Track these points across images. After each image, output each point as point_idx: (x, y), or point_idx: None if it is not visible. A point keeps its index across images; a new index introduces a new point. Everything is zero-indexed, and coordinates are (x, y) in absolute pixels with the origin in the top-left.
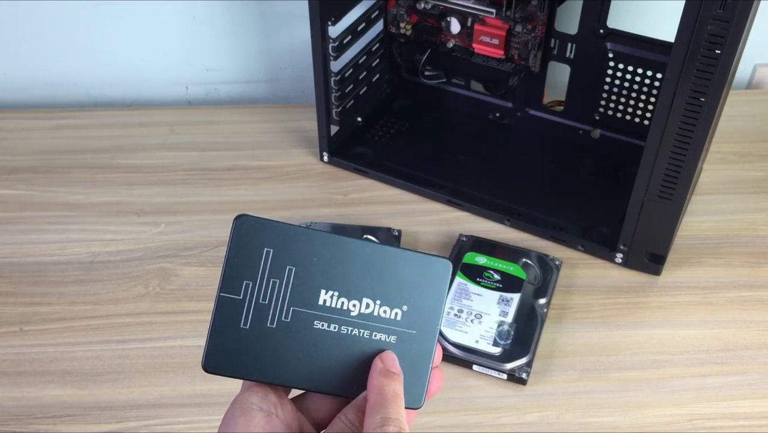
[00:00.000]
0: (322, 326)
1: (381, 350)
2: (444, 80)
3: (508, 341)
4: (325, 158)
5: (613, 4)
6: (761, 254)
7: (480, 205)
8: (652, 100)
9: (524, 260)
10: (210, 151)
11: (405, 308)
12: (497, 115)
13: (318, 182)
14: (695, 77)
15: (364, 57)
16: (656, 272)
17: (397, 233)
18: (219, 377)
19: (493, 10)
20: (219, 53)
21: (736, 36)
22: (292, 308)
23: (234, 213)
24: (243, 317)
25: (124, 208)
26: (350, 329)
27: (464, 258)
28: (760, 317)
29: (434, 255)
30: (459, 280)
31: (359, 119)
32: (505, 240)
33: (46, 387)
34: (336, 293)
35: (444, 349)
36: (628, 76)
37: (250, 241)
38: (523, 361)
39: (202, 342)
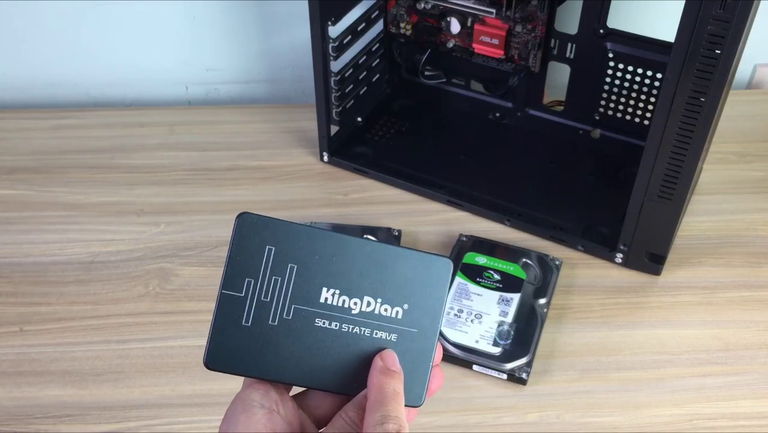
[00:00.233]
0: (324, 323)
1: (382, 348)
2: (444, 80)
3: (508, 341)
4: (325, 158)
5: (613, 4)
6: (761, 254)
7: (480, 205)
8: (652, 100)
9: (524, 260)
10: (210, 151)
11: (406, 306)
12: (497, 115)
13: (318, 182)
14: (695, 77)
15: (364, 57)
16: (656, 272)
17: (397, 233)
18: (220, 376)
19: (493, 10)
20: (219, 53)
21: (736, 36)
22: (293, 306)
23: (234, 213)
24: (245, 314)
25: (124, 209)
26: (351, 327)
27: (464, 258)
28: (760, 317)
29: (435, 254)
30: (459, 280)
31: (359, 119)
32: (505, 240)
33: (46, 387)
34: (337, 291)
35: (444, 349)
36: (628, 76)
37: (252, 239)
38: (523, 361)
39: (203, 342)
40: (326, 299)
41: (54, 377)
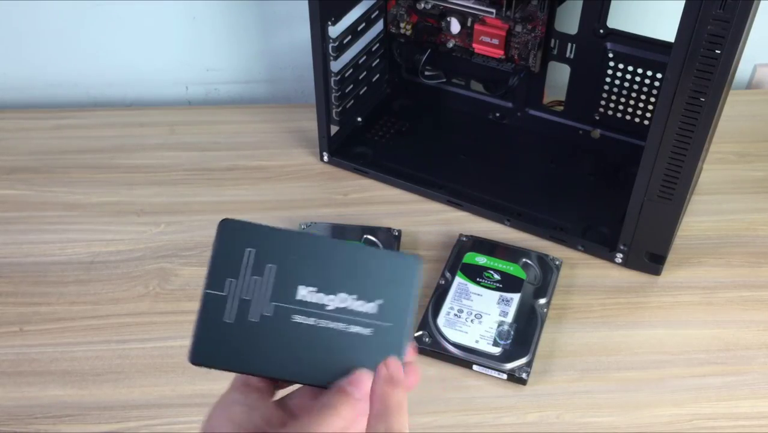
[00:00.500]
0: (302, 319)
1: (358, 341)
2: (444, 80)
3: (508, 341)
4: (325, 158)
5: (613, 4)
6: (761, 254)
7: (480, 205)
8: (652, 100)
9: (524, 260)
10: (210, 151)
11: (380, 301)
12: (497, 115)
13: (318, 182)
14: (695, 77)
15: (364, 57)
16: (656, 272)
17: (397, 233)
18: (220, 376)
19: (493, 10)
20: (219, 53)
21: (736, 36)
22: (273, 303)
23: (234, 213)
24: (227, 312)
25: (124, 209)
26: (328, 321)
27: (464, 258)
28: (760, 317)
29: (404, 252)
30: (459, 280)
31: (359, 119)
32: (505, 240)
33: (46, 387)
34: (314, 289)
35: (444, 349)
36: (628, 76)
37: (233, 242)
38: (523, 361)
39: None
40: (303, 296)
41: (54, 377)
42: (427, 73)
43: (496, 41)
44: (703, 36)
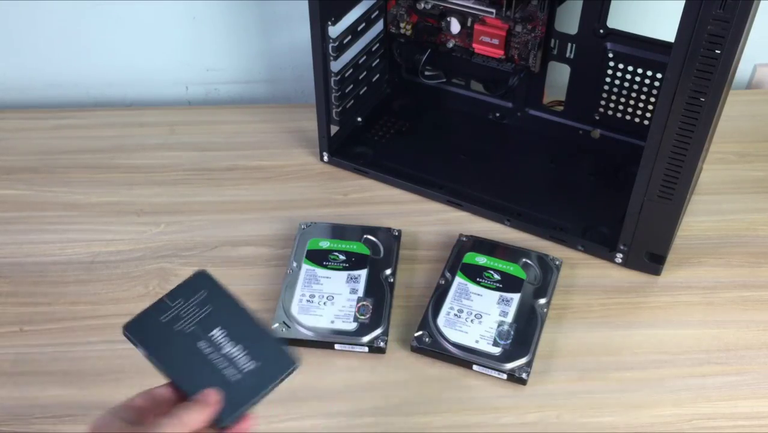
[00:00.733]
0: (202, 346)
1: (223, 379)
2: (444, 80)
3: (508, 341)
4: (325, 158)
5: (613, 4)
6: (761, 254)
7: (480, 205)
8: (652, 100)
9: (524, 260)
10: (210, 151)
11: (254, 366)
12: (497, 115)
13: (318, 182)
14: (695, 77)
15: (364, 57)
16: (656, 272)
17: (397, 233)
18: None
19: (493, 10)
20: (219, 53)
21: (736, 36)
22: (193, 327)
23: (234, 213)
24: (166, 315)
25: (124, 209)
26: (215, 357)
27: (464, 258)
28: (760, 316)
29: (290, 353)
30: (459, 280)
31: (359, 119)
32: (505, 240)
33: (46, 387)
34: (224, 333)
35: (444, 349)
36: (628, 76)
37: (199, 283)
38: (523, 361)
39: None
40: (214, 334)
41: (54, 377)
42: (427, 73)
43: (496, 41)
44: (703, 36)
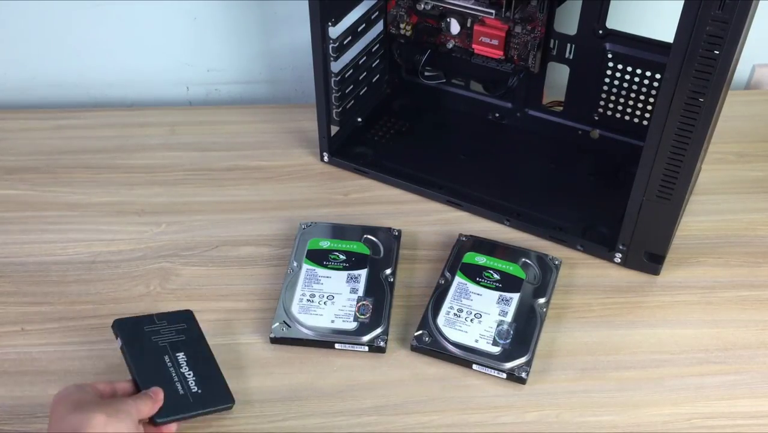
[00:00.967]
0: (166, 359)
1: (173, 390)
2: (444, 81)
3: (508, 341)
4: (326, 158)
5: (612, 5)
6: (760, 254)
7: (480, 205)
8: (652, 100)
9: (524, 259)
10: (210, 151)
11: (198, 391)
12: (497, 115)
13: (318, 182)
14: (694, 78)
15: (364, 57)
16: (655, 271)
17: (397, 233)
18: None
19: (493, 11)
20: (220, 54)
21: (735, 36)
22: (165, 344)
23: (235, 212)
24: (150, 326)
25: (125, 209)
26: (172, 371)
27: (464, 258)
28: (759, 316)
29: (229, 394)
30: (459, 280)
31: (359, 119)
32: (504, 240)
33: (47, 387)
34: (185, 358)
35: (444, 348)
36: (627, 77)
37: (183, 316)
38: (522, 360)
39: None
40: (178, 356)
41: (55, 376)
42: (427, 73)
43: (495, 42)
44: (702, 36)
